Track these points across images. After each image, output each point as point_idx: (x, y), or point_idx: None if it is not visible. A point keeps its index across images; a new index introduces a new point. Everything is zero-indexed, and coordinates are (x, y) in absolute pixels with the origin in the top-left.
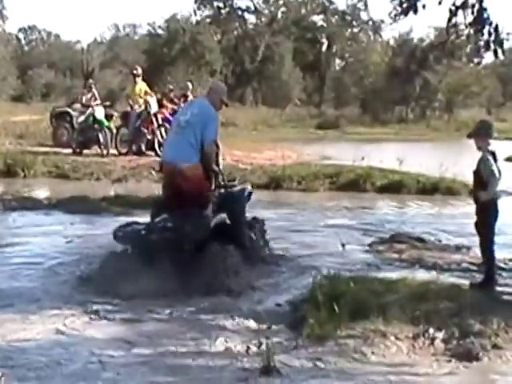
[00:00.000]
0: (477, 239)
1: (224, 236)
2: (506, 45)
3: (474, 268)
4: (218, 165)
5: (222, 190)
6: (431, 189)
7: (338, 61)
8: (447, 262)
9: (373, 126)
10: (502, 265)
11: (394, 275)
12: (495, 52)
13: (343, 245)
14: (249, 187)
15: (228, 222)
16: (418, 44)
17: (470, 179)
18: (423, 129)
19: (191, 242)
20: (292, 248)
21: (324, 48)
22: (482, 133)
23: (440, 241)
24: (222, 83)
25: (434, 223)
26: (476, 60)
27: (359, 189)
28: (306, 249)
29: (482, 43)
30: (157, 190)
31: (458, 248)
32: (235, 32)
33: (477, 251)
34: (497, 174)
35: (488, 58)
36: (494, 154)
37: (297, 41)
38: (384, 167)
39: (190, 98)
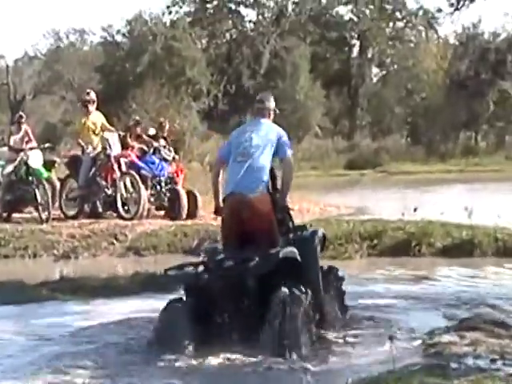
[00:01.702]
0: None
1: (294, 278)
2: None
3: None
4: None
5: (291, 235)
6: None
7: (375, 70)
8: None
9: (427, 161)
10: None
11: (465, 382)
12: None
13: (391, 338)
14: (321, 230)
15: (299, 259)
16: (490, 41)
17: None
18: (501, 162)
19: (255, 276)
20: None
21: (355, 52)
22: None
23: None
24: (268, 92)
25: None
26: None
27: (411, 253)
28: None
29: None
30: (123, 268)
31: None
32: (227, 35)
33: None
34: None
35: None
36: None
37: (316, 43)
38: (446, 221)
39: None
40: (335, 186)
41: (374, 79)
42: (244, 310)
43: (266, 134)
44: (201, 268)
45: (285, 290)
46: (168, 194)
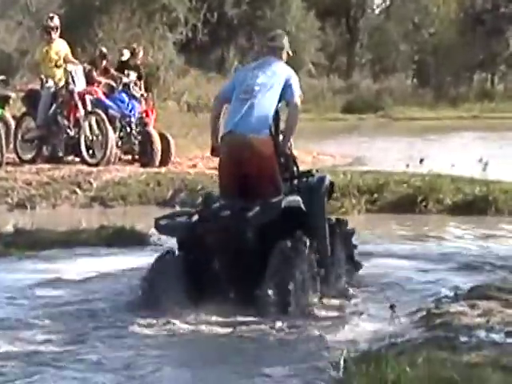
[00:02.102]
0: None
1: (297, 228)
2: None
3: None
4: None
5: (295, 181)
6: None
7: (377, 0)
8: None
9: (437, 106)
10: None
11: (476, 357)
12: None
13: (392, 306)
14: (329, 177)
15: (304, 208)
16: None
17: None
18: None
19: (255, 228)
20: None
21: None
22: None
23: None
24: (279, 31)
25: None
26: None
27: (417, 209)
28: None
29: None
30: (87, 220)
31: None
32: None
33: None
34: None
35: None
36: None
37: None
38: (457, 175)
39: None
40: (330, 132)
41: (377, 10)
42: (242, 264)
43: (273, 73)
44: (195, 218)
45: (286, 241)
46: (139, 137)
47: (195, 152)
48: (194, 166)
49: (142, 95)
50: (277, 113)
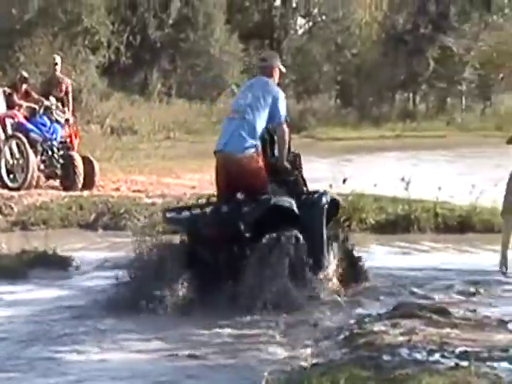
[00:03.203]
0: None
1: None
2: None
3: None
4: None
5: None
6: (458, 224)
7: (300, 21)
8: (487, 346)
9: (359, 126)
10: None
11: (399, 376)
12: None
13: (315, 325)
14: (334, 195)
15: (295, 210)
16: None
17: None
18: (442, 128)
19: (249, 222)
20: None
21: (278, 1)
22: None
23: (475, 311)
24: (271, 51)
25: (464, 279)
26: None
27: (340, 229)
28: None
29: None
30: (8, 245)
31: (503, 322)
32: None
33: None
34: None
35: None
36: None
37: None
38: (380, 194)
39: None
40: None
41: (300, 32)
42: (236, 255)
43: (261, 94)
44: (197, 211)
45: (271, 236)
46: (61, 161)
47: (119, 175)
48: (118, 189)
49: (66, 120)
50: (270, 134)
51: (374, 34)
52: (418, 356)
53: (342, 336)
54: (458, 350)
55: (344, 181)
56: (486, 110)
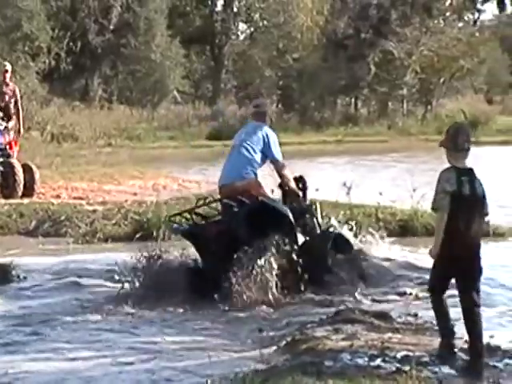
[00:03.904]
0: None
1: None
2: None
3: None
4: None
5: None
6: (399, 228)
7: (242, 26)
8: (428, 351)
9: (301, 131)
10: None
11: (341, 381)
12: (500, 2)
13: (260, 330)
14: (342, 231)
15: (289, 216)
16: None
17: None
18: (383, 132)
19: (245, 226)
20: None
21: (219, 6)
22: (448, 142)
23: (416, 315)
24: (263, 98)
25: (407, 282)
26: (468, 17)
27: None
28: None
29: None
30: None
31: None
32: None
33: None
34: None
35: (487, 13)
36: (463, 173)
37: None
38: (321, 199)
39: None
40: (196, 159)
41: (241, 37)
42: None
43: (254, 133)
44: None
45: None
46: (1, 168)
47: (59, 182)
48: (58, 196)
49: (5, 127)
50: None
51: (315, 39)
52: (360, 361)
53: (284, 342)
54: (399, 355)
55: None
56: (427, 114)
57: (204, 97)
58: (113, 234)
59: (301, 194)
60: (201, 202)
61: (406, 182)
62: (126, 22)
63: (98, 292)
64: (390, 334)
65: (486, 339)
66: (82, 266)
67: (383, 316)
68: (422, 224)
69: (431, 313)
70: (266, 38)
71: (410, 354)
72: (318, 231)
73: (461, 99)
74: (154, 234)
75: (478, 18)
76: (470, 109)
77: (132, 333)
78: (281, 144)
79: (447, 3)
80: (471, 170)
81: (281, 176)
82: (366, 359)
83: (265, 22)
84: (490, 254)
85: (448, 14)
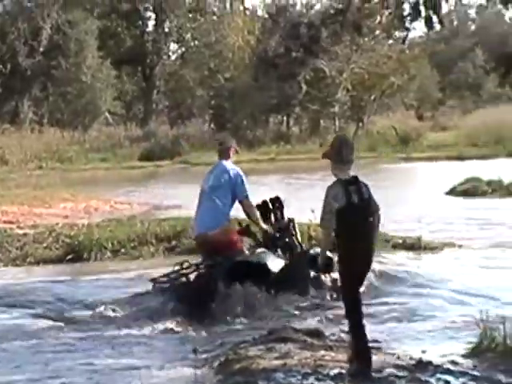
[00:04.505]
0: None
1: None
2: (445, 8)
3: (402, 374)
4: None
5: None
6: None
7: (173, 46)
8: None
9: None
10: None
11: None
12: (428, 20)
13: (195, 351)
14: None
15: (267, 264)
16: (303, 13)
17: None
18: (315, 150)
19: (225, 281)
20: None
21: (150, 26)
22: (333, 154)
23: (348, 332)
24: (224, 133)
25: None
26: (397, 35)
27: None
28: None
29: (407, 8)
30: None
31: (376, 343)
32: (0, 6)
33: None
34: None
35: (416, 30)
36: (350, 183)
37: (105, 17)
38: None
39: None
40: (128, 181)
41: (173, 57)
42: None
43: (220, 175)
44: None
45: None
46: None
47: None
48: (10, 222)
49: None
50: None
51: (246, 58)
52: (293, 380)
53: (218, 362)
54: (332, 373)
55: None
56: (359, 131)
57: (136, 118)
58: (44, 258)
59: (278, 213)
60: (177, 268)
61: None
62: (56, 43)
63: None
64: (322, 352)
65: (417, 354)
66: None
67: (316, 334)
68: None
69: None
70: (198, 58)
71: (343, 371)
72: (299, 249)
73: (392, 116)
74: (85, 256)
75: (407, 35)
76: (401, 125)
77: (71, 352)
78: (214, 164)
79: (377, 21)
80: (356, 177)
81: (248, 214)
82: (300, 378)
83: (196, 42)
84: (425, 267)
85: (378, 32)
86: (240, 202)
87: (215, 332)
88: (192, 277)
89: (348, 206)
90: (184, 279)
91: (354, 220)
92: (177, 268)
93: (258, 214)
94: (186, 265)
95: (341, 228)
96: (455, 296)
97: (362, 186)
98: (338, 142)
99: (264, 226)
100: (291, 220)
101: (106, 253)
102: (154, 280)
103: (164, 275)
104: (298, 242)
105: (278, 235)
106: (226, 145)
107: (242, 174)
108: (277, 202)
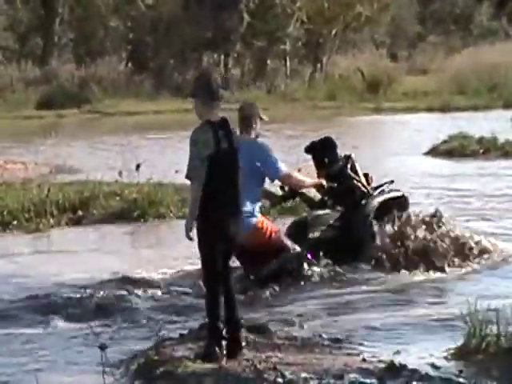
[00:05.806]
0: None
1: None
2: None
3: (367, 380)
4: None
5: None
6: None
7: None
8: (317, 372)
9: (157, 96)
10: None
11: None
12: None
13: (102, 347)
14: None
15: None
16: None
17: None
18: (262, 97)
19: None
20: None
21: None
22: (200, 91)
23: (302, 327)
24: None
25: None
26: None
27: (134, 226)
28: None
29: None
30: None
31: (336, 342)
32: None
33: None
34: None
35: None
36: (219, 127)
37: None
38: (182, 183)
39: None
40: (23, 135)
41: None
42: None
43: (248, 160)
44: None
45: None
46: None
47: None
48: None
49: None
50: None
51: None
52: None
53: (135, 365)
54: (279, 379)
55: (138, 167)
56: (316, 75)
57: (32, 54)
58: None
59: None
60: None
61: (290, 158)
62: None
63: None
64: (269, 353)
65: (389, 355)
66: None
67: (261, 330)
68: None
69: (319, 323)
70: None
71: (294, 376)
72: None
73: (358, 55)
74: None
75: None
76: (370, 67)
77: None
78: (133, 113)
79: None
80: (225, 119)
81: (295, 186)
82: None
83: None
84: None
85: None
86: (277, 177)
87: (132, 325)
88: None
89: (218, 152)
90: None
91: (222, 172)
92: None
93: (303, 178)
94: None
95: (210, 176)
96: (439, 284)
97: (231, 128)
98: (205, 75)
99: (314, 183)
100: (348, 157)
101: None
102: None
103: None
104: (362, 184)
105: (335, 184)
106: (250, 112)
107: (268, 148)
108: (349, 159)
